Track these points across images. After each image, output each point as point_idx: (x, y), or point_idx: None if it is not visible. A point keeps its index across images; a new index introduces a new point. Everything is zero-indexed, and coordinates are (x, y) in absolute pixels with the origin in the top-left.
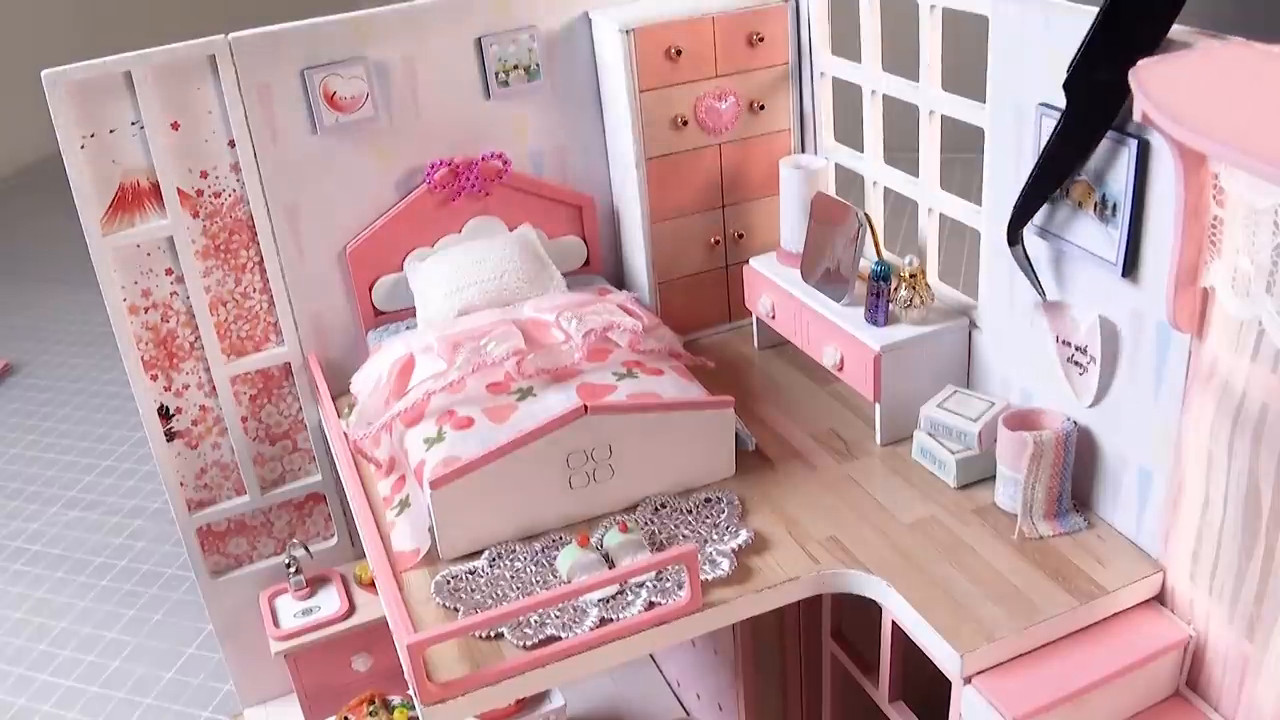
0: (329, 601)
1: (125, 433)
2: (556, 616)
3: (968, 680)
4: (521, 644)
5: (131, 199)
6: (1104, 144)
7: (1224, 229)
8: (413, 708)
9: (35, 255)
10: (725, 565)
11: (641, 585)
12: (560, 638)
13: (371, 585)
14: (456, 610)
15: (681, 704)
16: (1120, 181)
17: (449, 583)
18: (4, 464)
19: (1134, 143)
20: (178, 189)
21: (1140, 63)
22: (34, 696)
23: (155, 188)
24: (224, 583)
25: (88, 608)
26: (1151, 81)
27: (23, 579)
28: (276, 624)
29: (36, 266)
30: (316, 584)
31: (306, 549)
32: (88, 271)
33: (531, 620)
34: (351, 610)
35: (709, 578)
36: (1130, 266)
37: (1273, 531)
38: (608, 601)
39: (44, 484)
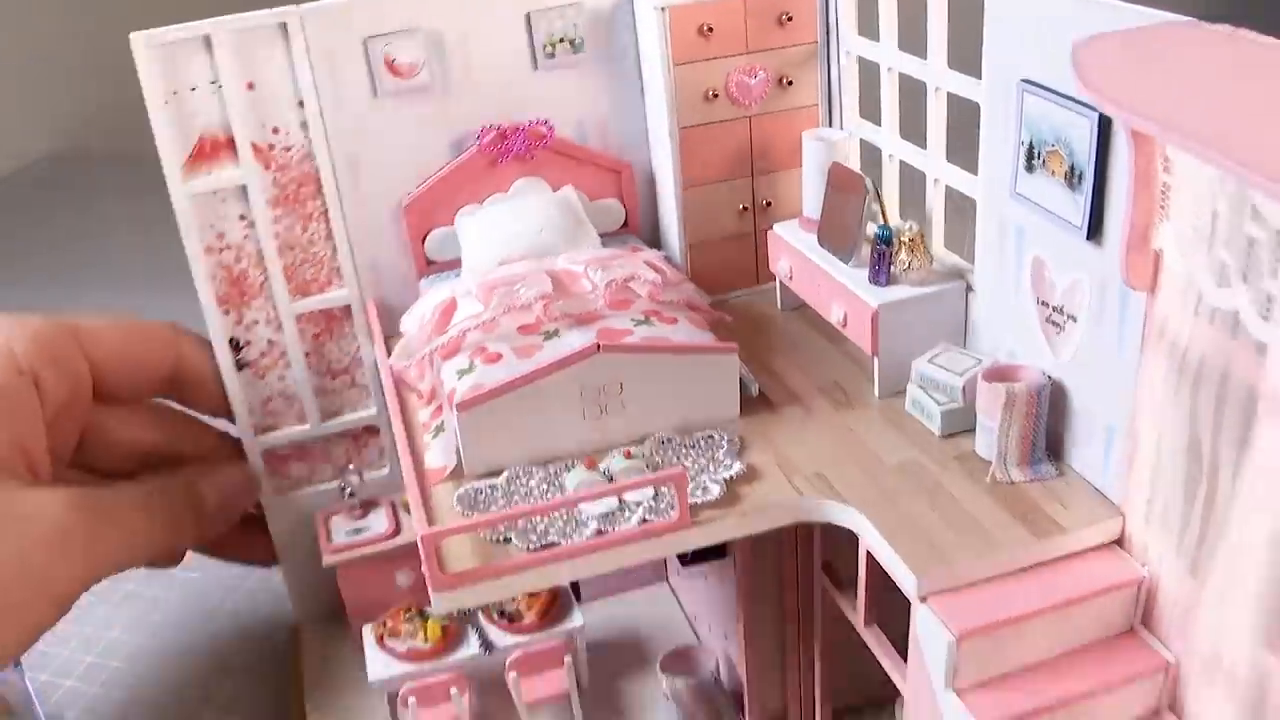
0: (377, 523)
1: None
2: (560, 526)
3: (923, 599)
4: (526, 547)
5: (209, 151)
6: (1069, 116)
7: (1172, 195)
8: (447, 618)
9: (35, 255)
10: (715, 491)
11: (639, 505)
12: (560, 544)
13: None
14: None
15: (696, 634)
16: (1084, 151)
17: (470, 495)
18: None
19: (1095, 115)
20: (251, 143)
21: (1081, 39)
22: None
23: (230, 141)
24: (284, 501)
25: (87, 608)
26: (1090, 60)
27: None
28: (329, 539)
29: (37, 266)
30: (368, 507)
31: (360, 475)
32: (87, 271)
33: (537, 528)
34: (397, 531)
35: (699, 501)
36: (1094, 231)
37: (1211, 477)
38: (607, 517)
39: None
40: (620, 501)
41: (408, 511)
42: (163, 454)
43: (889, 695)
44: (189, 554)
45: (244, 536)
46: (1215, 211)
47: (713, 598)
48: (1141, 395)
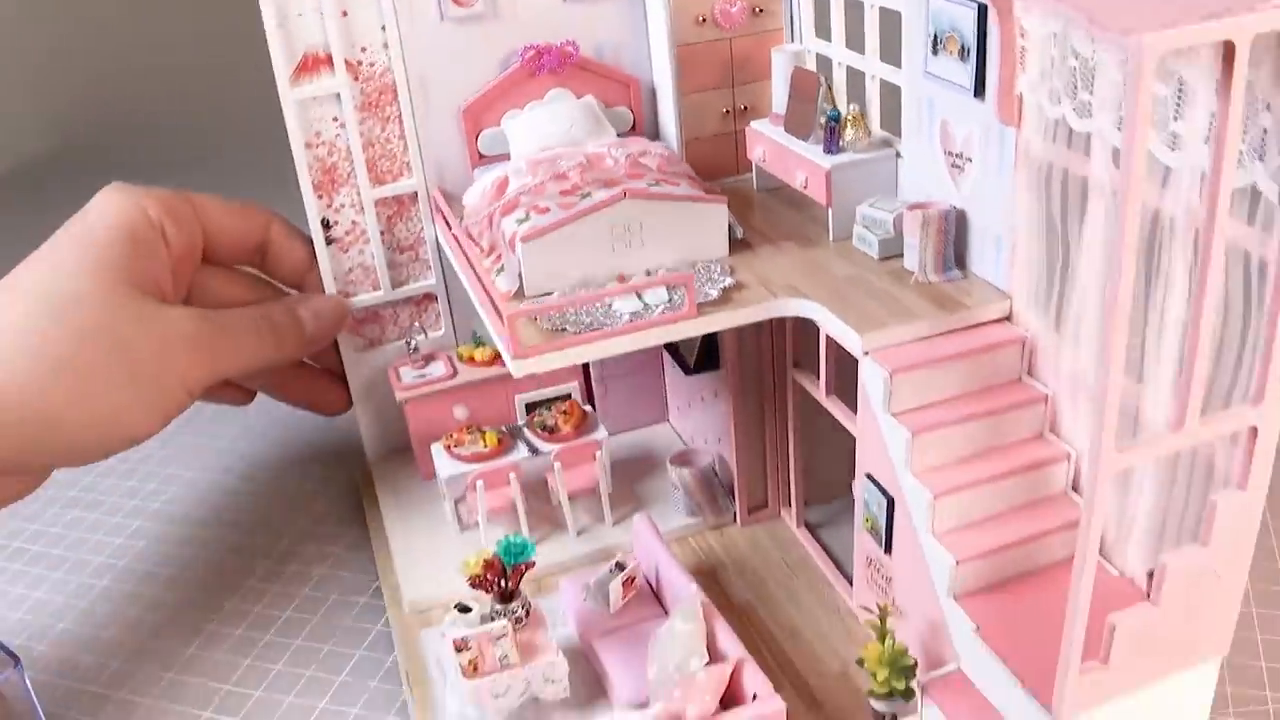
0: (437, 369)
1: None
2: (600, 318)
3: (866, 354)
4: (576, 331)
5: (311, 65)
6: (961, 10)
7: (1026, 54)
8: (500, 432)
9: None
10: (714, 294)
11: (658, 305)
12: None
13: (470, 360)
14: (534, 319)
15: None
16: (970, 32)
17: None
18: None
19: (976, 5)
20: (345, 59)
21: None
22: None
23: (329, 58)
24: (361, 357)
25: (86, 608)
26: None
27: (22, 579)
28: (399, 380)
29: None
30: (428, 359)
31: (424, 331)
32: None
33: (584, 319)
34: (454, 374)
35: (702, 301)
36: (979, 90)
37: (1064, 253)
38: (635, 313)
39: (44, 484)
40: (644, 304)
41: (462, 361)
42: None
43: (843, 491)
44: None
45: (316, 386)
46: (1051, 58)
47: (708, 417)
48: (1018, 207)
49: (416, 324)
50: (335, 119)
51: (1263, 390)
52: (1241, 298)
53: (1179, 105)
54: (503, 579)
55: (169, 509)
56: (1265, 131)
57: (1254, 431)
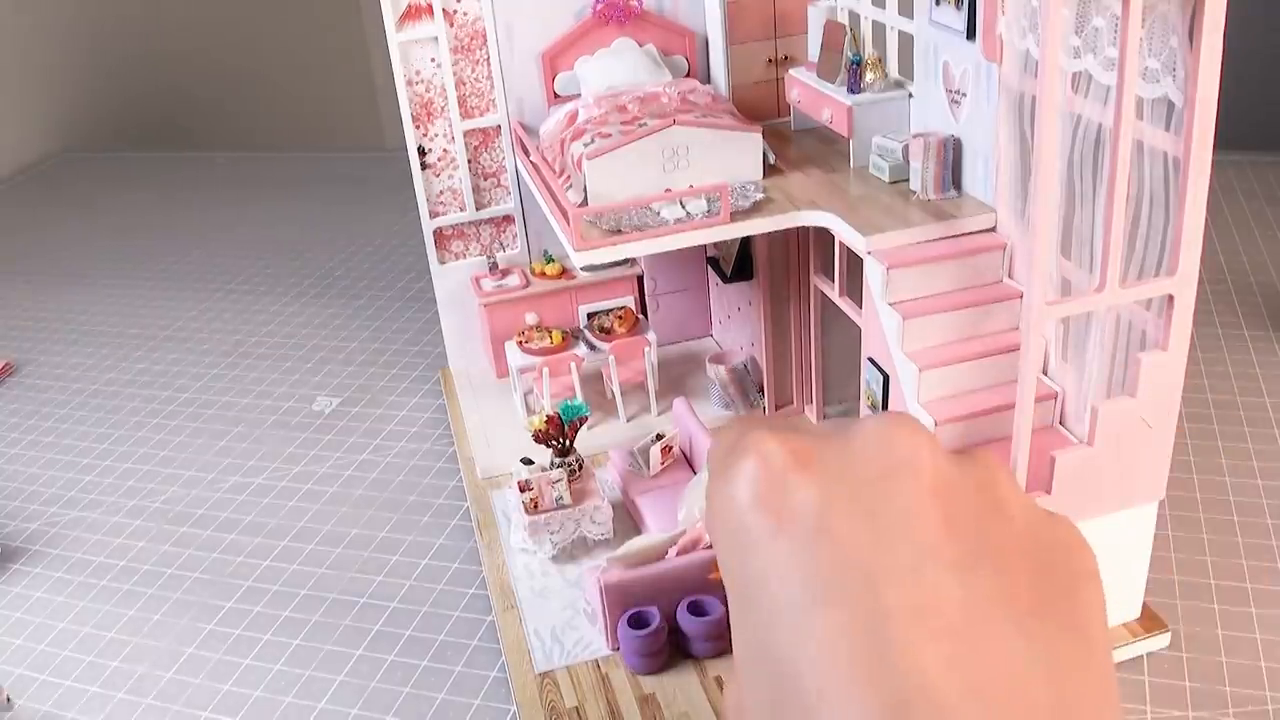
0: (512, 280)
1: (125, 432)
2: (651, 222)
3: (869, 253)
4: (630, 229)
5: (414, 13)
6: None
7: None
8: (565, 331)
9: (35, 255)
10: (747, 204)
11: (699, 213)
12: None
13: (541, 274)
14: (593, 222)
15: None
16: None
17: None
18: (4, 464)
19: None
20: (443, 9)
21: None
22: (33, 697)
23: (430, 7)
24: (447, 269)
25: (86, 608)
26: None
27: (22, 579)
28: (480, 289)
29: (36, 266)
30: (505, 273)
31: (503, 247)
32: (88, 271)
33: (635, 221)
34: (527, 285)
35: (735, 210)
36: (971, 32)
37: (1036, 164)
38: (678, 220)
39: (44, 484)
40: (686, 211)
41: (534, 275)
42: None
43: (856, 396)
44: None
45: None
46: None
47: (743, 325)
48: (1000, 131)
49: (495, 243)
50: (433, 59)
51: (1175, 263)
52: (1164, 191)
53: (1114, 34)
54: (561, 436)
55: (169, 509)
56: (1174, 50)
57: (1171, 299)
